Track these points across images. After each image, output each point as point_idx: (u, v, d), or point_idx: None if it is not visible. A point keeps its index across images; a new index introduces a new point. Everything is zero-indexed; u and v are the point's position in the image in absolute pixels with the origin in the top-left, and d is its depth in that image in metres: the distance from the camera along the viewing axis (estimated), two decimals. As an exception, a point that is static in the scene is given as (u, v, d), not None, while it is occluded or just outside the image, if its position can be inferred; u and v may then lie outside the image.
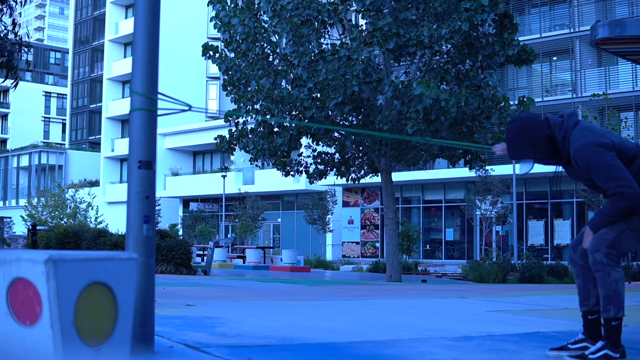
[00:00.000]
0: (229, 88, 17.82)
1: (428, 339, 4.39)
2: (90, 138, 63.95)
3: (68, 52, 71.44)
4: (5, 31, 13.06)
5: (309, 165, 18.98)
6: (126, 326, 2.84)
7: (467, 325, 5.31)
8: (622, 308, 3.63)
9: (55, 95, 76.98)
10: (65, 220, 35.91)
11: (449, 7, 15.57)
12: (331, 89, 15.79)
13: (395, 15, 16.05)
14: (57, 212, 37.86)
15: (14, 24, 13.17)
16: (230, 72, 17.59)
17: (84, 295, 2.66)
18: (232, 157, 37.08)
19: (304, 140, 18.91)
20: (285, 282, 13.83)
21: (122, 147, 51.62)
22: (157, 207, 20.24)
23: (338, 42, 17.21)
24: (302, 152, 19.68)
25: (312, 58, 16.15)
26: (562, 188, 30.67)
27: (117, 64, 54.07)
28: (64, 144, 68.11)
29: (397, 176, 29.22)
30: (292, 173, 18.67)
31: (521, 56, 16.65)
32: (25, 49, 13.37)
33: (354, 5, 17.13)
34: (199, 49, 18.45)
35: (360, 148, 17.77)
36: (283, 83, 17.13)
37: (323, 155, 18.80)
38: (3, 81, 14.57)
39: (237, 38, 17.37)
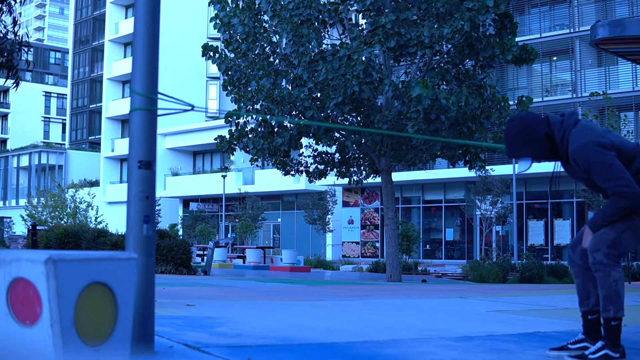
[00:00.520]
0: (229, 88, 17.82)
1: (428, 339, 4.39)
2: (90, 138, 63.96)
3: (68, 52, 71.44)
4: (5, 31, 13.02)
5: (309, 165, 18.99)
6: (126, 326, 2.84)
7: (467, 325, 5.31)
8: (622, 308, 3.62)
9: (55, 95, 76.97)
10: (65, 220, 35.89)
11: (451, 7, 15.57)
12: (331, 89, 15.78)
13: (396, 14, 16.05)
14: (57, 212, 37.84)
15: (14, 22, 13.13)
16: (230, 72, 17.58)
17: (84, 295, 2.66)
18: (232, 157, 37.08)
19: (304, 140, 18.90)
20: (285, 282, 13.83)
21: (122, 147, 51.62)
22: (157, 207, 20.25)
23: (338, 42, 17.20)
24: (302, 152, 19.69)
25: (312, 58, 16.14)
26: (561, 188, 30.63)
27: (117, 64, 54.08)
28: (64, 144, 68.10)
29: (397, 176, 29.22)
30: (292, 172, 18.68)
31: (522, 55, 16.65)
32: (26, 49, 13.33)
33: (355, 5, 17.13)
34: (199, 49, 18.44)
35: (361, 148, 17.77)
36: (283, 83, 17.12)
37: (323, 155, 18.81)
38: (4, 82, 14.53)
39: (237, 38, 17.37)
